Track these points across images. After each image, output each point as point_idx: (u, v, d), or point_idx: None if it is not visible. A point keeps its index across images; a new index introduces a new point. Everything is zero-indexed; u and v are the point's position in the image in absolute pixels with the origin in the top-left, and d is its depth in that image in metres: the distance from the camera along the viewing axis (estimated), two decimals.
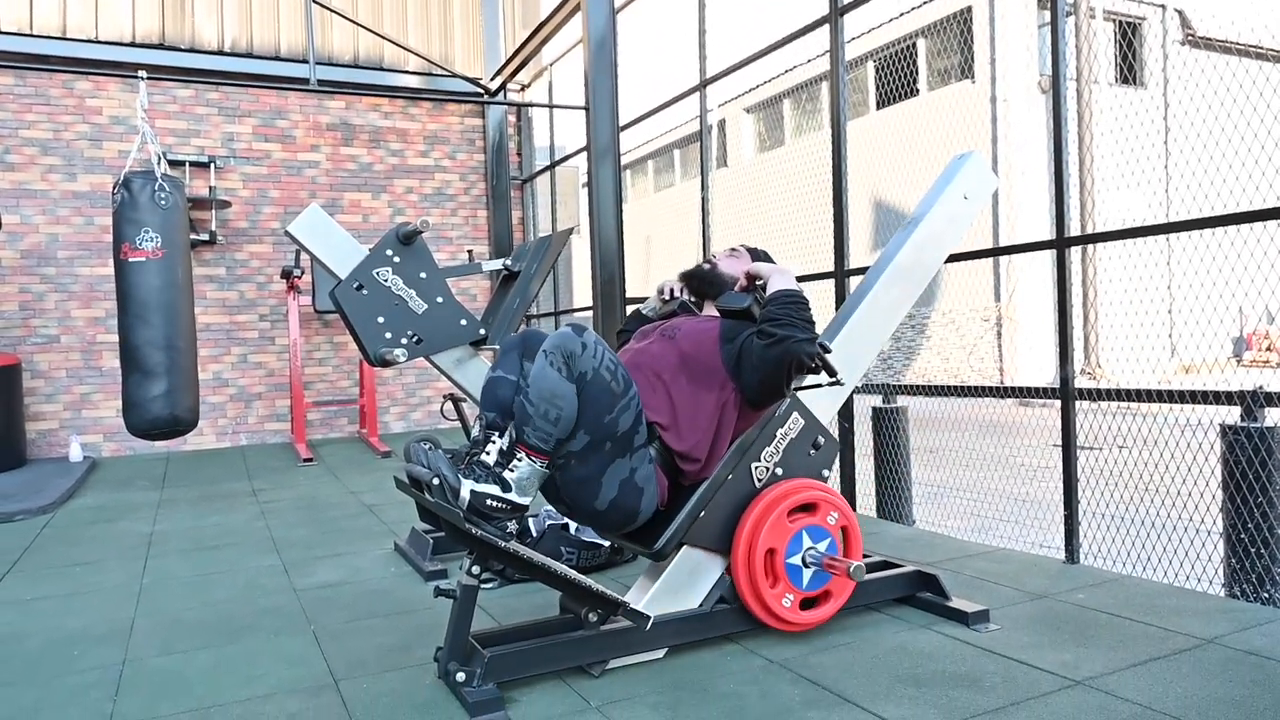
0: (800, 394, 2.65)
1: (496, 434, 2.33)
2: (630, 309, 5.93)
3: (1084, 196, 10.54)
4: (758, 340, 2.45)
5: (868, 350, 2.93)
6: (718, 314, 2.77)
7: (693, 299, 2.95)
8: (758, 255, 2.95)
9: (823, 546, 2.56)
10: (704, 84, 5.66)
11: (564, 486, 2.37)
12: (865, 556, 3.06)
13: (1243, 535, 2.89)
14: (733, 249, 2.98)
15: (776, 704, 2.17)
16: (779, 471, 2.59)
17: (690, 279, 2.94)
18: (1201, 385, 3.06)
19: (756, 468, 2.56)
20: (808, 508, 2.57)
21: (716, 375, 2.52)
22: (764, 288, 2.62)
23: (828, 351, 2.47)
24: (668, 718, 2.11)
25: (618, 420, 2.31)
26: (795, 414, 2.63)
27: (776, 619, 2.53)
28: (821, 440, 2.68)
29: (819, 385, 2.62)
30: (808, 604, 2.58)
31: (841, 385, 2.62)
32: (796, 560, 2.53)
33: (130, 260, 4.63)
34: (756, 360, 2.44)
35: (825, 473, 2.70)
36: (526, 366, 2.42)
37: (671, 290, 2.99)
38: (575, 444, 2.29)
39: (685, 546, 2.50)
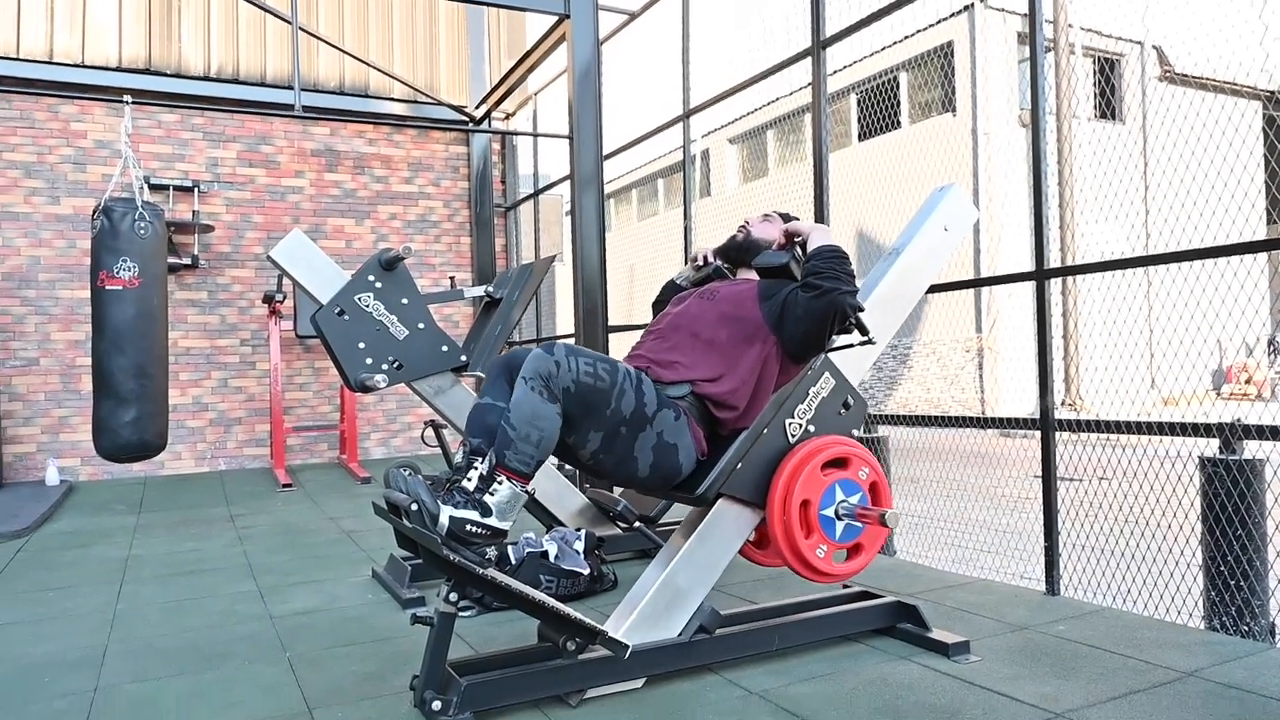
0: (831, 356, 2.72)
1: (479, 460, 2.32)
2: (613, 337, 5.95)
3: (1064, 229, 10.67)
4: (803, 293, 2.53)
5: (854, 372, 2.95)
6: (753, 278, 2.83)
7: (727, 266, 3.00)
8: (789, 219, 2.99)
9: (854, 500, 2.60)
10: (687, 114, 5.72)
11: (605, 473, 2.46)
12: (845, 586, 3.06)
13: (1222, 568, 2.90)
14: (766, 214, 3.05)
15: None
16: (811, 429, 2.65)
17: (726, 251, 3.01)
18: (1181, 417, 3.09)
19: (790, 424, 2.61)
20: (840, 462, 2.61)
21: (758, 331, 2.59)
22: (803, 245, 2.68)
23: (861, 310, 2.54)
24: None
25: (619, 407, 2.35)
26: (827, 374, 2.69)
27: (811, 570, 2.55)
28: (851, 401, 2.74)
29: (851, 345, 2.70)
30: (840, 557, 2.62)
31: (874, 344, 2.70)
32: (830, 513, 2.57)
33: (107, 288, 4.62)
34: (802, 312, 2.52)
35: (855, 432, 2.75)
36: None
37: (705, 256, 3.05)
38: (593, 443, 2.36)
39: (722, 499, 2.54)
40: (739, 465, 2.52)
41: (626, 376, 2.39)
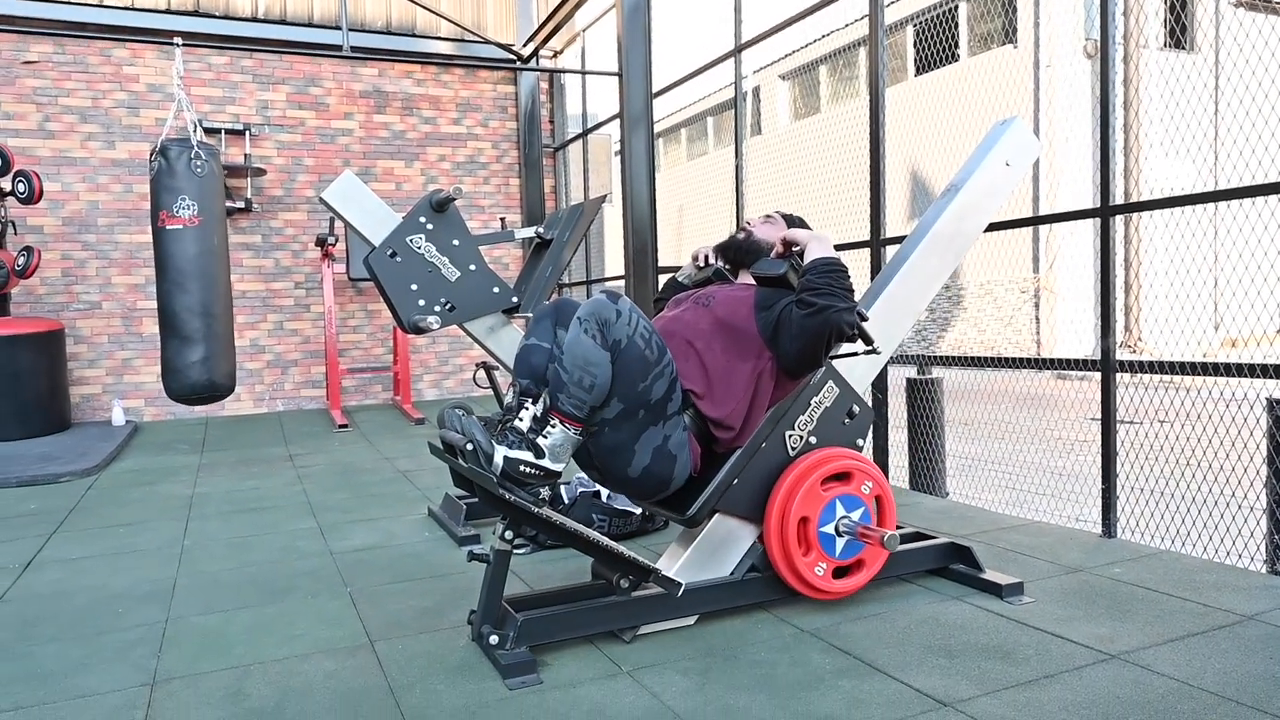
0: (835, 363, 2.62)
1: (530, 401, 2.33)
2: (663, 278, 5.91)
3: (1129, 164, 10.30)
4: (797, 310, 2.43)
5: (903, 320, 2.89)
6: (753, 282, 2.75)
7: (728, 267, 2.93)
8: (793, 222, 2.91)
9: (856, 515, 2.55)
10: (739, 49, 5.58)
11: (597, 453, 2.38)
12: (898, 527, 3.05)
13: None
14: (768, 215, 2.95)
15: (807, 672, 2.17)
16: (813, 440, 2.58)
17: (725, 249, 2.91)
18: (1248, 359, 2.99)
19: (790, 436, 2.54)
20: (842, 476, 2.56)
21: (752, 343, 2.50)
22: (801, 254, 2.59)
23: (865, 320, 2.44)
24: (698, 684, 2.12)
25: (651, 388, 2.30)
26: (830, 383, 2.60)
27: (809, 587, 2.53)
28: (856, 409, 2.66)
29: (855, 354, 2.60)
30: (840, 573, 2.58)
31: (878, 354, 2.60)
32: (830, 529, 2.52)
33: (168, 228, 4.69)
34: (796, 329, 2.42)
35: (859, 442, 2.68)
36: (560, 334, 2.42)
37: (706, 256, 2.96)
38: (609, 411, 2.30)
39: (718, 514, 2.49)
40: (735, 482, 2.46)
41: (670, 365, 2.35)
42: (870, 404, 2.72)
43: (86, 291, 7.24)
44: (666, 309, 2.79)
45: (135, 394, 7.35)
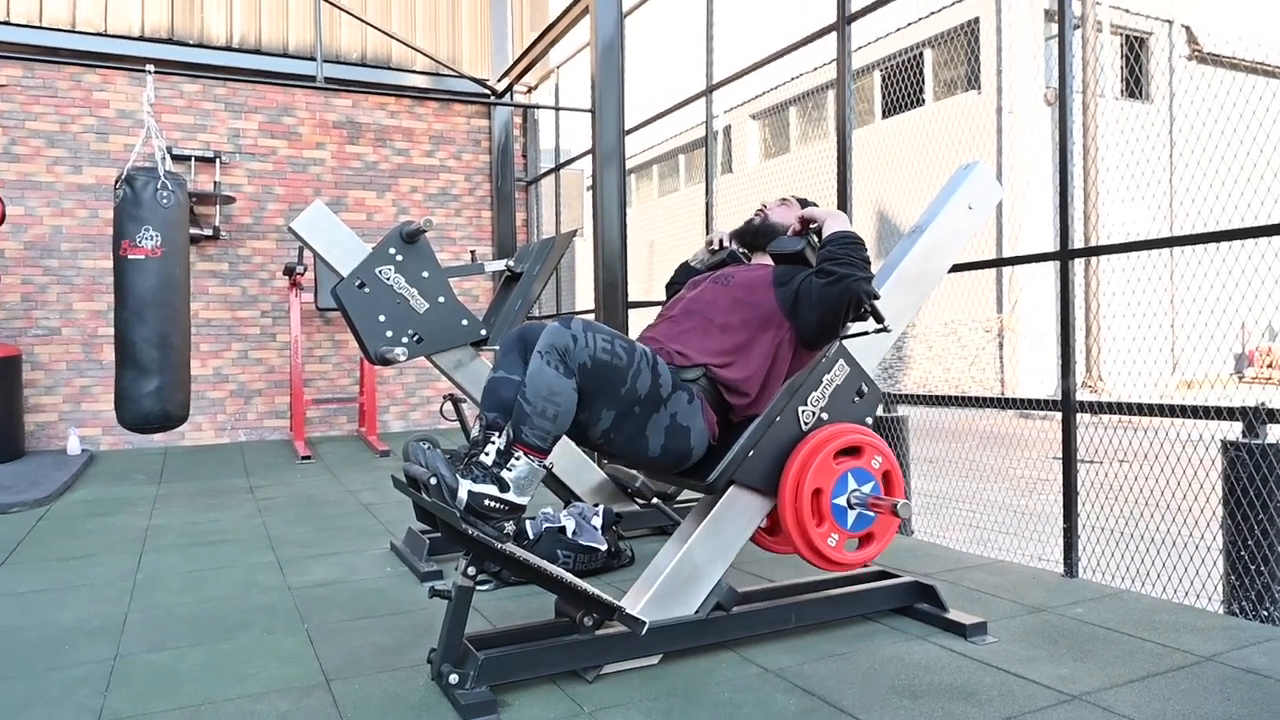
0: (845, 343, 2.67)
1: (496, 434, 2.32)
2: (633, 313, 5.93)
3: (1088, 209, 10.54)
4: (817, 279, 2.51)
5: (869, 359, 2.92)
6: (769, 263, 2.82)
7: (743, 251, 2.98)
8: (807, 204, 2.99)
9: (867, 489, 2.57)
10: (710, 89, 5.66)
11: (616, 452, 2.48)
12: (862, 566, 3.05)
13: (1243, 552, 2.87)
14: (783, 199, 3.03)
15: (771, 713, 2.15)
16: (824, 416, 2.61)
17: (742, 235, 3.00)
18: (1203, 401, 3.05)
19: (803, 412, 2.57)
20: (853, 451, 2.58)
21: (772, 317, 2.59)
22: (818, 232, 2.66)
23: (876, 297, 2.51)
24: None
25: (635, 387, 2.35)
26: (841, 361, 2.64)
27: (823, 559, 2.53)
28: (865, 389, 2.70)
29: (866, 333, 2.66)
30: (851, 545, 2.60)
31: (889, 332, 2.66)
32: (842, 501, 2.54)
33: (129, 258, 4.65)
34: (816, 298, 2.51)
35: (868, 420, 2.71)
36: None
37: (720, 240, 3.03)
38: (605, 422, 2.37)
39: (733, 486, 2.52)
40: (750, 453, 2.49)
41: (643, 356, 2.39)
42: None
43: (46, 317, 7.11)
44: (685, 290, 2.87)
45: (93, 422, 7.21)
